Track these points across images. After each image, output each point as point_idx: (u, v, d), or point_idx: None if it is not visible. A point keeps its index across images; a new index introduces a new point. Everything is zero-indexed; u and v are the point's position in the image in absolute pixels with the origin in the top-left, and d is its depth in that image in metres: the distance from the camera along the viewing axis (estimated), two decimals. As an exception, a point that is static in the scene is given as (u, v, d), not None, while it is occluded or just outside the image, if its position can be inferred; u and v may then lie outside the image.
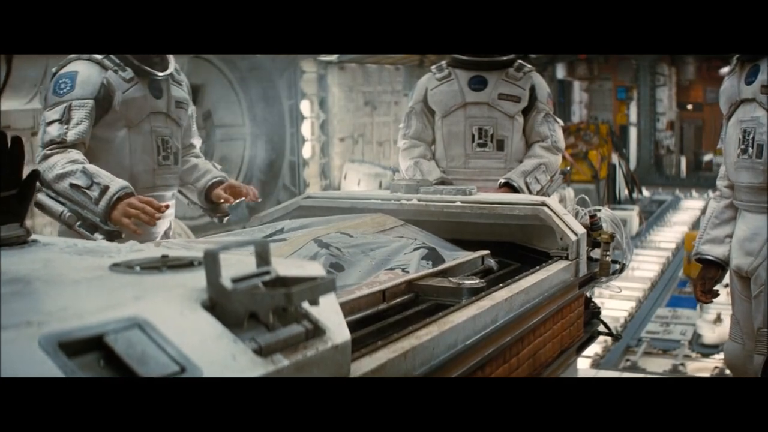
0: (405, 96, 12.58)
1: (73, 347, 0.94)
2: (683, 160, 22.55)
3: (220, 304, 1.12)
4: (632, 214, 13.12)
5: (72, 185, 2.65)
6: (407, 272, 2.16)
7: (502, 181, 3.55)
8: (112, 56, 2.87)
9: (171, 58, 3.09)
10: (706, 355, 7.51)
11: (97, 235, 2.63)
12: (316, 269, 1.35)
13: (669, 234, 13.92)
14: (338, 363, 1.21)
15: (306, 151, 11.12)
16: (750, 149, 2.90)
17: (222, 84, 8.88)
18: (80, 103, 2.78)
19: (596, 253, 2.94)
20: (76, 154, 2.73)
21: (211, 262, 1.12)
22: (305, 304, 1.18)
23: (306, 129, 11.12)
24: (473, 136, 3.66)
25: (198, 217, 3.30)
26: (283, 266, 1.26)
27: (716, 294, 3.28)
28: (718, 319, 7.54)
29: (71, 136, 2.75)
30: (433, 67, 3.80)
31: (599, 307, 3.11)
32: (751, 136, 2.89)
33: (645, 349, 7.70)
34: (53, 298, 1.11)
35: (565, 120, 3.54)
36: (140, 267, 1.28)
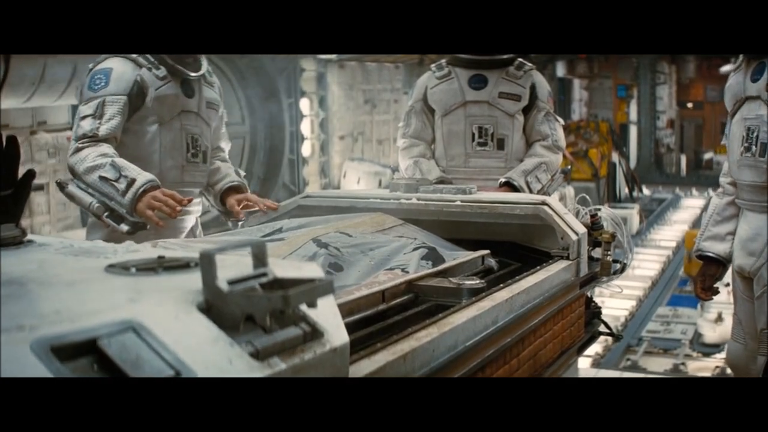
0: (405, 94, 12.56)
1: (65, 351, 0.93)
2: (683, 159, 22.53)
3: (217, 307, 1.10)
4: (632, 213, 13.12)
5: (101, 177, 2.74)
6: (407, 272, 2.15)
7: (503, 180, 3.53)
8: (146, 54, 2.93)
9: (203, 59, 3.16)
10: (707, 355, 7.50)
11: (123, 226, 2.74)
12: (314, 270, 1.33)
13: (669, 232, 13.92)
14: (336, 366, 1.19)
15: (305, 150, 11.10)
16: (754, 147, 2.88)
17: (221, 82, 8.86)
18: (113, 99, 2.87)
19: (597, 253, 2.92)
20: (106, 148, 2.81)
21: (207, 263, 1.10)
22: (303, 306, 1.16)
23: (305, 127, 11.10)
24: (473, 135, 3.64)
25: (203, 213, 3.30)
26: (281, 268, 1.24)
27: (716, 291, 3.26)
28: (719, 319, 7.52)
29: (103, 130, 2.83)
30: (433, 65, 3.78)
31: (600, 307, 3.09)
32: (755, 134, 2.87)
33: (646, 348, 7.69)
34: (47, 300, 1.09)
35: (565, 118, 3.53)
36: (136, 268, 1.26)
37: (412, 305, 1.99)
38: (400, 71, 13.17)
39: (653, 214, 15.47)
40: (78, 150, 2.81)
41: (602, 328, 3.08)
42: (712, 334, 7.63)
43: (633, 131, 21.39)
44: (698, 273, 3.28)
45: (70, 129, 7.50)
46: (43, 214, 6.88)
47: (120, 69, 2.90)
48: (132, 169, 2.76)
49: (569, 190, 10.17)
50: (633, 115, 21.58)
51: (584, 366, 6.35)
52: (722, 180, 3.19)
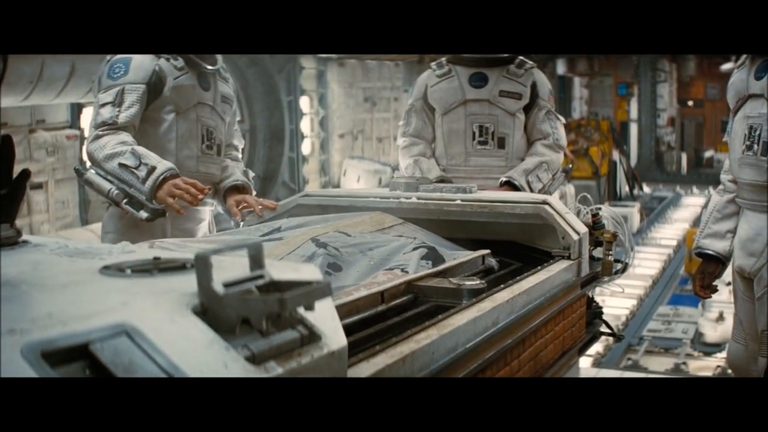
0: (405, 92, 12.55)
1: (57, 356, 0.91)
2: (684, 157, 22.52)
3: (212, 310, 1.08)
4: (633, 211, 13.12)
5: (121, 165, 2.77)
6: (406, 272, 2.12)
7: (503, 179, 3.50)
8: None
9: (218, 54, 3.17)
10: (708, 354, 7.48)
11: (142, 213, 2.77)
12: (311, 272, 1.31)
13: (670, 231, 13.92)
14: (334, 370, 1.17)
15: (305, 148, 11.09)
16: (755, 146, 2.84)
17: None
18: (133, 87, 2.89)
19: (598, 252, 2.90)
20: (125, 136, 2.84)
21: (202, 265, 1.08)
22: (300, 309, 1.14)
23: (305, 125, 11.09)
24: (474, 133, 3.62)
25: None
26: (278, 269, 1.22)
27: (715, 289, 3.23)
28: (721, 318, 7.50)
29: (122, 118, 2.86)
30: (433, 63, 3.75)
31: (601, 307, 3.08)
32: (757, 132, 2.83)
33: (647, 347, 7.67)
34: (40, 303, 1.07)
35: (565, 116, 3.50)
36: (131, 270, 1.24)
37: (412, 306, 1.97)
38: (400, 69, 13.16)
39: (654, 213, 15.46)
40: (98, 137, 2.84)
41: (603, 328, 3.06)
42: (713, 333, 7.61)
43: (633, 129, 21.38)
44: (697, 270, 3.25)
45: (69, 127, 7.50)
46: (42, 212, 6.87)
47: (139, 58, 2.92)
48: (152, 157, 2.79)
49: (570, 189, 10.15)
50: (633, 113, 21.57)
51: (585, 365, 6.33)
52: (723, 177, 3.16)
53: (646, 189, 18.57)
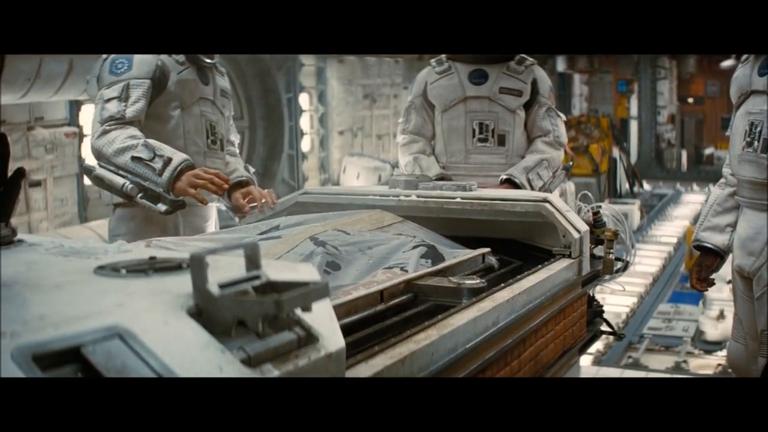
0: (404, 89, 12.53)
1: (48, 360, 0.89)
2: (684, 154, 22.51)
3: (207, 311, 1.06)
4: (633, 208, 13.11)
5: (134, 158, 2.72)
6: (406, 271, 2.10)
7: (504, 177, 3.48)
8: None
9: None
10: (708, 352, 7.46)
11: (160, 205, 2.73)
12: (309, 273, 1.29)
13: (670, 228, 13.91)
14: (332, 372, 1.15)
15: (305, 145, 11.07)
16: (756, 143, 2.82)
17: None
18: (138, 82, 2.86)
19: (599, 251, 2.88)
20: (134, 130, 2.81)
21: (197, 266, 1.06)
22: (297, 310, 1.12)
23: (305, 122, 11.07)
24: (474, 130, 3.60)
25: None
26: (275, 270, 1.20)
27: (712, 282, 3.21)
28: (721, 316, 7.48)
29: (129, 113, 2.83)
30: (433, 60, 3.73)
31: (602, 306, 3.06)
32: (758, 129, 2.81)
33: (647, 345, 7.66)
34: (32, 304, 1.05)
35: (565, 113, 3.49)
36: (126, 270, 1.22)
37: (411, 305, 1.95)
38: (399, 66, 13.13)
39: (654, 210, 15.46)
40: (105, 132, 2.79)
41: (604, 327, 3.04)
42: (713, 331, 7.59)
43: (633, 126, 21.37)
44: (695, 263, 3.23)
45: (68, 125, 7.48)
46: (41, 210, 6.85)
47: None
48: (166, 149, 2.76)
49: (570, 186, 10.12)
50: (633, 110, 21.56)
51: (585, 364, 6.32)
52: (725, 171, 3.13)
53: (647, 186, 18.56)
